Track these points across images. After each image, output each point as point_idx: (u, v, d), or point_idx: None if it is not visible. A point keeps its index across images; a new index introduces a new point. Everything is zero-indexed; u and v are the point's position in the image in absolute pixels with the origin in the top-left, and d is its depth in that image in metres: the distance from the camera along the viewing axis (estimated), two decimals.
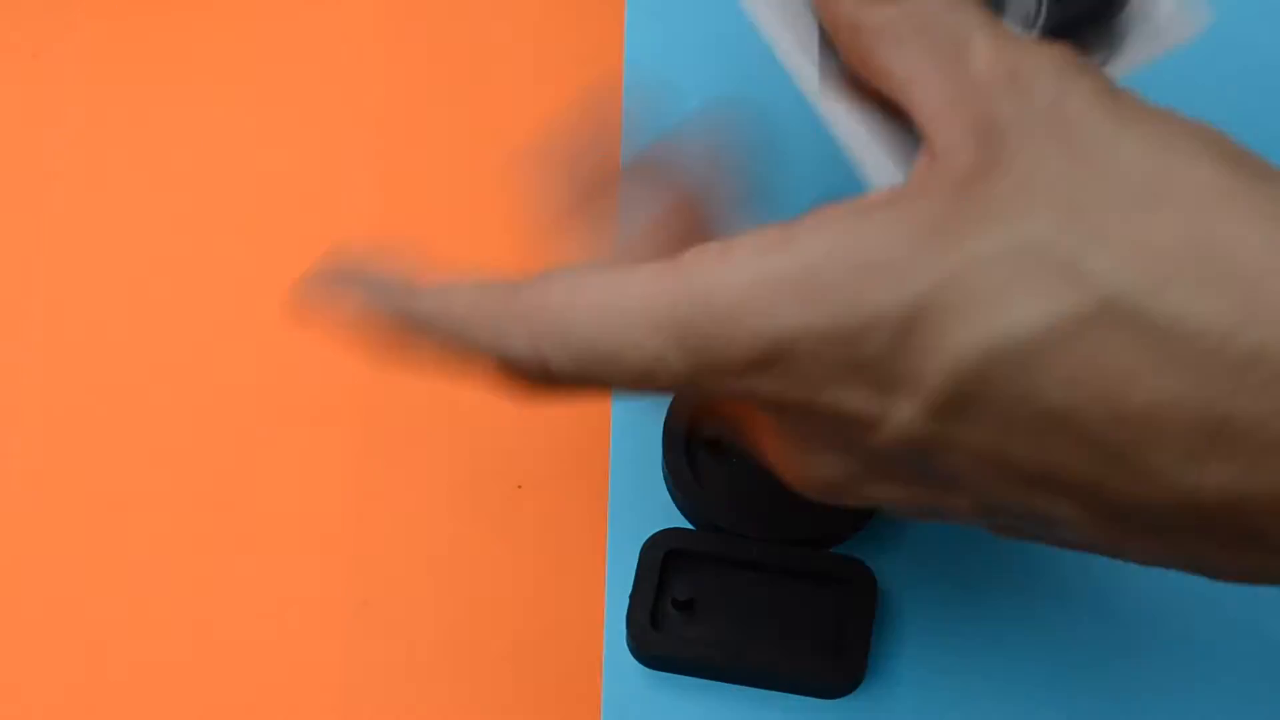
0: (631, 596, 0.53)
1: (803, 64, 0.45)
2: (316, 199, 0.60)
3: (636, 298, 0.40)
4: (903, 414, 0.38)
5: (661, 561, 0.53)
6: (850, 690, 0.53)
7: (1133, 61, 0.44)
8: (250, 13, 0.63)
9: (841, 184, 0.60)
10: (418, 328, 0.43)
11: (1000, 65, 0.39)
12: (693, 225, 0.46)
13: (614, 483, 0.56)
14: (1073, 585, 0.54)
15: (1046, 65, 0.39)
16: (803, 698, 0.53)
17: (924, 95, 0.40)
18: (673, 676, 0.53)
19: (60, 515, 0.55)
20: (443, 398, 0.57)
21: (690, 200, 0.45)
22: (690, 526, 0.55)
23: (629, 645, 0.53)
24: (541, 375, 0.41)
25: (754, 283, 0.38)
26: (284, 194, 0.60)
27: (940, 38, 0.40)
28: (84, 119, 0.61)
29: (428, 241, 0.59)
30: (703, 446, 0.55)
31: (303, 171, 0.61)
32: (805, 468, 0.42)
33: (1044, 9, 0.45)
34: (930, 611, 0.54)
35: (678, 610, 0.53)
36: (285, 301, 0.59)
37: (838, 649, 0.52)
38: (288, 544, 0.55)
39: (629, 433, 0.56)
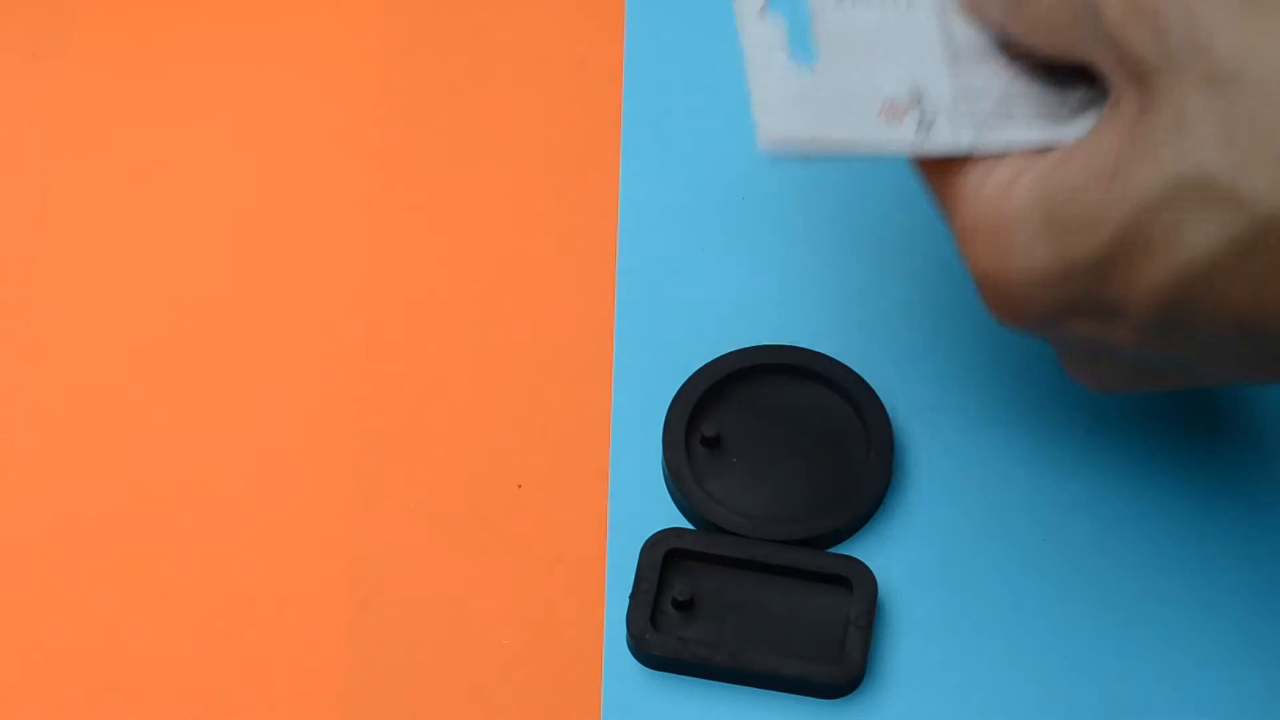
0: (631, 596, 0.53)
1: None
2: (316, 199, 0.60)
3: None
4: (1124, 334, 0.45)
5: (661, 561, 0.53)
6: (850, 690, 0.53)
7: None
8: (250, 13, 0.63)
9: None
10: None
11: (1126, 7, 0.43)
12: None
13: (614, 483, 0.56)
14: (1072, 584, 0.54)
15: None
16: (802, 697, 0.53)
17: (1083, 49, 0.45)
18: (673, 676, 0.53)
19: (60, 516, 0.55)
20: (443, 398, 0.57)
21: None
22: (690, 526, 0.55)
23: (629, 645, 0.53)
24: None
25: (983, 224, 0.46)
26: (284, 194, 0.60)
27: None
28: (83, 120, 0.61)
29: (429, 241, 0.59)
30: (703, 446, 0.55)
31: (302, 171, 0.61)
32: (1082, 373, 0.49)
33: None
34: (930, 612, 0.54)
35: (678, 610, 0.53)
36: (285, 301, 0.59)
37: (837, 649, 0.52)
38: (288, 544, 0.55)
39: (629, 433, 0.56)
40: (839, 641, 0.52)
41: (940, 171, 0.47)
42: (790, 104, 0.47)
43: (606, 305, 0.58)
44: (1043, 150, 0.46)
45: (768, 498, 0.55)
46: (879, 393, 0.56)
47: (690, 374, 0.56)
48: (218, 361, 0.58)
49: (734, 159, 0.61)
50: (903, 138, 0.47)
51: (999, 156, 0.46)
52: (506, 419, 0.57)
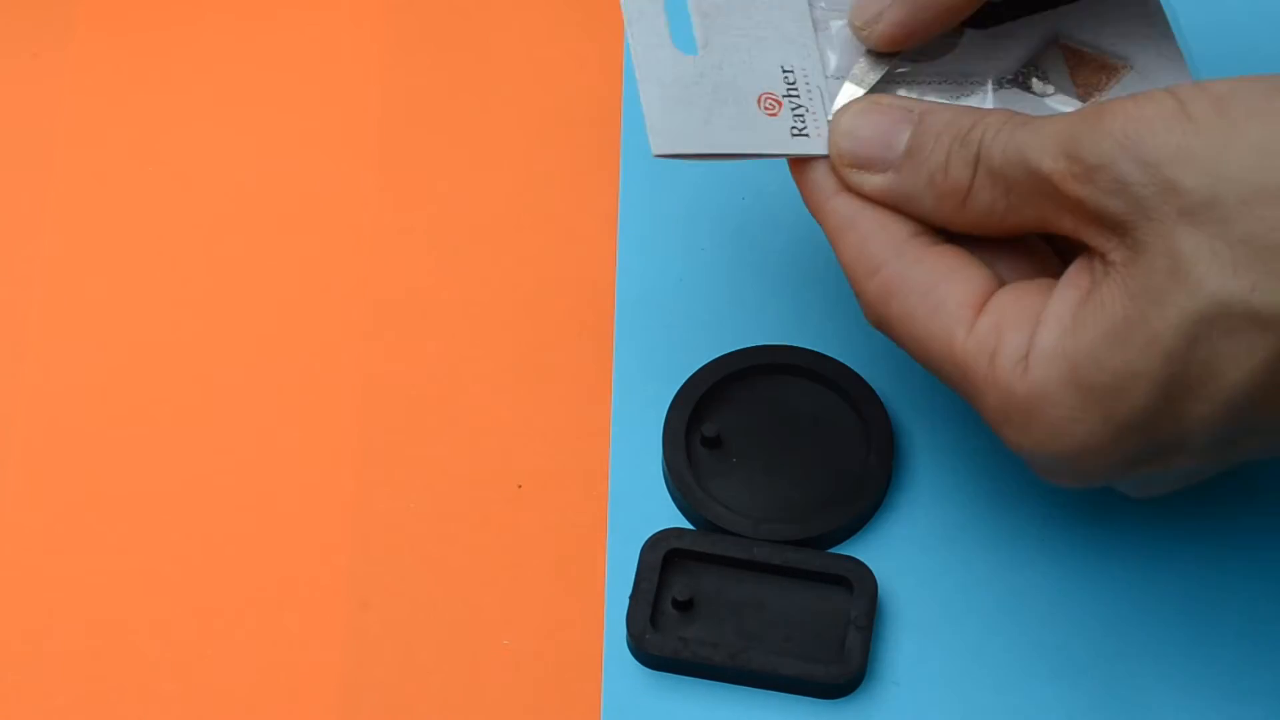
0: (631, 596, 0.53)
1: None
2: (316, 199, 0.60)
3: None
4: (1187, 462, 0.45)
5: (661, 561, 0.53)
6: (850, 690, 0.52)
7: None
8: (251, 12, 0.63)
9: None
10: None
11: (1070, 166, 0.44)
12: None
13: (614, 483, 0.56)
14: (1072, 585, 0.54)
15: (1106, 144, 0.43)
16: (802, 697, 0.52)
17: (1045, 222, 0.45)
18: (673, 676, 0.53)
19: (60, 516, 0.55)
20: (443, 398, 0.57)
21: None
22: (690, 526, 0.55)
23: (629, 645, 0.53)
24: None
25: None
26: (284, 194, 0.60)
27: (997, 169, 0.46)
28: (84, 119, 0.61)
29: (429, 241, 0.59)
30: (703, 446, 0.55)
31: (302, 171, 0.61)
32: (1139, 491, 0.49)
33: None
34: (930, 612, 0.54)
35: (678, 610, 0.53)
36: (285, 302, 0.59)
37: (837, 649, 0.52)
38: (288, 544, 0.55)
39: (629, 433, 0.56)
40: (839, 641, 0.52)
41: (931, 343, 0.47)
42: (677, 106, 0.49)
43: (606, 305, 0.58)
44: (1034, 318, 0.45)
45: (768, 498, 0.54)
46: (879, 392, 0.56)
47: (690, 374, 0.56)
48: (217, 361, 0.58)
49: (736, 164, 0.60)
50: (780, 133, 0.48)
51: (995, 330, 0.46)
52: (506, 419, 0.57)
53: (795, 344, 0.57)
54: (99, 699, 0.53)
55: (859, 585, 0.53)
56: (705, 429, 0.55)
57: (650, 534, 0.54)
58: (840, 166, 0.49)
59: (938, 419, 0.56)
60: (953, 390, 0.48)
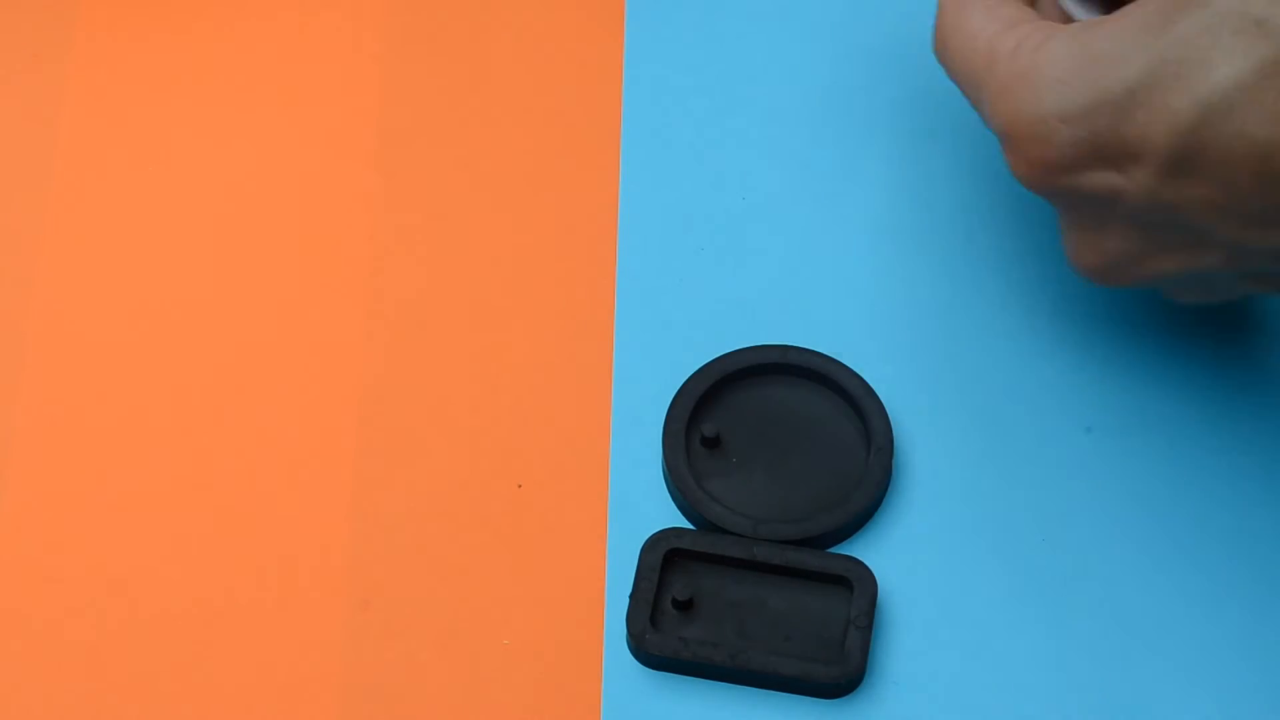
0: (631, 596, 0.53)
1: None
2: (317, 200, 0.60)
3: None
4: (1142, 180, 0.47)
5: (661, 561, 0.53)
6: (850, 690, 0.53)
7: None
8: (251, 15, 0.63)
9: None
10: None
11: None
12: None
13: (614, 483, 0.56)
14: (1071, 585, 0.54)
15: None
16: (802, 697, 0.53)
17: None
18: (673, 676, 0.53)
19: (60, 516, 0.55)
20: (443, 398, 0.57)
21: None
22: (690, 526, 0.55)
23: (629, 645, 0.53)
24: None
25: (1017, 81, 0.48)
26: (285, 195, 0.60)
27: None
28: (84, 119, 0.61)
29: (429, 242, 0.59)
30: (702, 446, 0.55)
31: (303, 173, 0.61)
32: (1089, 250, 0.50)
33: None
34: (929, 611, 0.54)
35: (678, 610, 0.53)
36: (284, 301, 0.59)
37: (837, 649, 0.52)
38: (288, 544, 0.55)
39: (629, 433, 0.56)
40: (839, 641, 0.52)
41: (975, 50, 0.50)
42: None
43: (606, 305, 0.58)
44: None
45: (767, 497, 0.55)
46: (879, 392, 0.56)
47: (690, 374, 0.56)
48: (217, 361, 0.58)
49: (733, 159, 0.61)
50: None
51: (1030, 23, 0.49)
52: (506, 419, 0.57)
53: (795, 344, 0.57)
54: (99, 699, 0.53)
55: (859, 585, 0.53)
56: (705, 429, 0.55)
57: (650, 534, 0.54)
58: None
59: (937, 419, 0.56)
60: (974, 98, 0.51)
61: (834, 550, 0.54)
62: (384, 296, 0.59)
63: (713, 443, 0.55)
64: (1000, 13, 0.50)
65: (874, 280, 0.59)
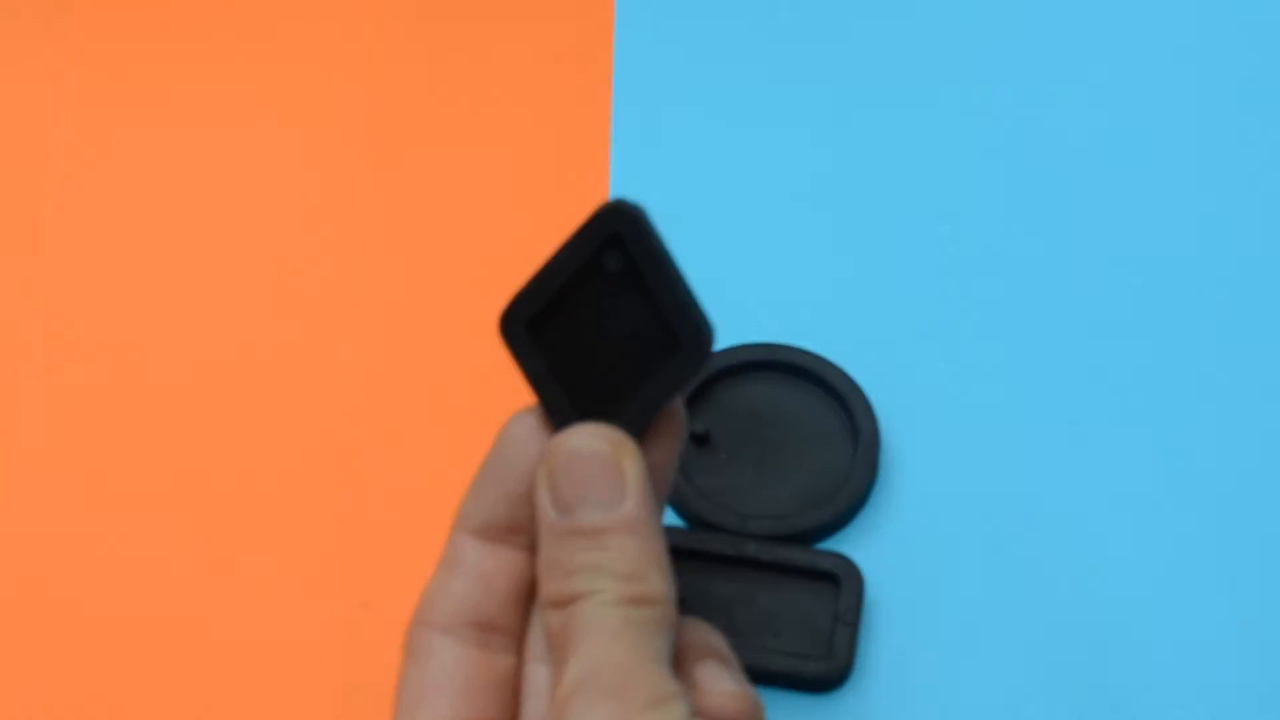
0: None
1: None
2: (313, 200, 0.60)
3: None
4: None
5: None
6: (838, 685, 0.53)
7: None
8: (245, 13, 0.63)
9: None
10: None
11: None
12: None
13: None
14: (1059, 581, 0.54)
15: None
16: (791, 692, 0.53)
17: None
18: None
19: (59, 515, 0.56)
20: (442, 398, 0.57)
21: None
22: (679, 523, 0.55)
23: None
24: None
25: None
26: (280, 193, 0.60)
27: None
28: (78, 119, 0.62)
29: (426, 243, 0.59)
30: (692, 444, 0.55)
31: (298, 172, 0.61)
32: None
33: None
34: (918, 607, 0.54)
35: None
36: (283, 301, 0.59)
37: (826, 644, 0.52)
38: (288, 544, 0.55)
39: None
40: (827, 637, 0.52)
41: None
42: None
43: None
44: None
45: (756, 494, 0.55)
46: (865, 389, 0.56)
47: None
48: (215, 360, 0.58)
49: (722, 158, 0.61)
50: None
51: None
52: (502, 419, 0.56)
53: (782, 342, 0.57)
54: (98, 698, 0.53)
55: (847, 581, 0.53)
56: (694, 426, 0.55)
57: None
58: None
59: (924, 415, 0.56)
60: None
61: (822, 546, 0.55)
62: (382, 295, 0.59)
63: (702, 440, 0.55)
64: None
65: (861, 278, 0.58)
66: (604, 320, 0.42)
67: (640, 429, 0.42)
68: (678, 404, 0.43)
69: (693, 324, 0.41)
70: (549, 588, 0.41)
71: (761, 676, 0.52)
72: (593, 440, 0.42)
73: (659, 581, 0.41)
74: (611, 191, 0.60)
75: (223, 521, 0.56)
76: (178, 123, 0.62)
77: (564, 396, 0.42)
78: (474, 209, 0.60)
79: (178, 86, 0.62)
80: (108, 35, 0.63)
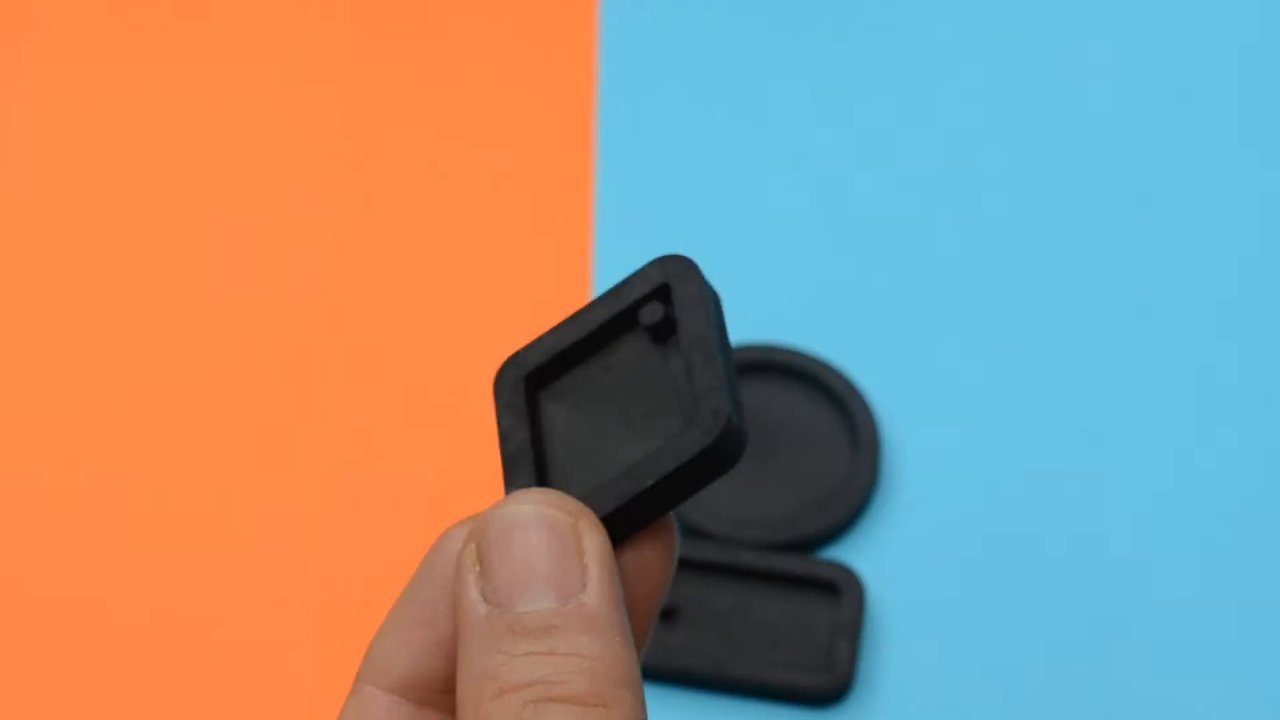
0: None
1: None
2: (291, 200, 0.60)
3: None
4: None
5: None
6: (838, 699, 0.52)
7: None
8: (219, 17, 0.63)
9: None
10: None
11: None
12: None
13: None
14: (1061, 594, 0.54)
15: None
16: (789, 706, 0.52)
17: None
18: (655, 686, 0.52)
19: (59, 515, 0.55)
20: (441, 397, 0.57)
21: None
22: None
23: None
24: None
25: None
26: (263, 189, 0.60)
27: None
28: (44, 116, 0.61)
29: (423, 243, 0.59)
30: None
31: (269, 163, 0.60)
32: None
33: None
34: (921, 618, 0.53)
35: (660, 618, 0.52)
36: (282, 301, 0.58)
37: (825, 657, 0.52)
38: (288, 544, 0.55)
39: None
40: (827, 649, 0.52)
41: None
42: None
43: (584, 303, 0.58)
44: None
45: (752, 501, 0.54)
46: (865, 394, 0.56)
47: None
48: (213, 359, 0.57)
49: (715, 158, 0.60)
50: None
51: None
52: (489, 419, 0.56)
53: (782, 344, 0.57)
54: (98, 697, 0.53)
55: (847, 591, 0.52)
56: None
57: None
58: None
59: (925, 421, 0.56)
60: None
61: (821, 554, 0.54)
62: (380, 294, 0.58)
63: None
64: None
65: (863, 282, 0.58)
66: (618, 384, 0.34)
67: (617, 521, 0.32)
68: (671, 518, 0.34)
69: (712, 406, 0.32)
70: (473, 716, 0.30)
71: (758, 690, 0.52)
72: (542, 507, 0.31)
73: (630, 706, 0.30)
74: (598, 188, 0.60)
75: (222, 522, 0.55)
76: (151, 119, 0.62)
77: (530, 465, 0.33)
78: (458, 205, 0.60)
79: (152, 82, 0.62)
80: (80, 26, 0.63)
